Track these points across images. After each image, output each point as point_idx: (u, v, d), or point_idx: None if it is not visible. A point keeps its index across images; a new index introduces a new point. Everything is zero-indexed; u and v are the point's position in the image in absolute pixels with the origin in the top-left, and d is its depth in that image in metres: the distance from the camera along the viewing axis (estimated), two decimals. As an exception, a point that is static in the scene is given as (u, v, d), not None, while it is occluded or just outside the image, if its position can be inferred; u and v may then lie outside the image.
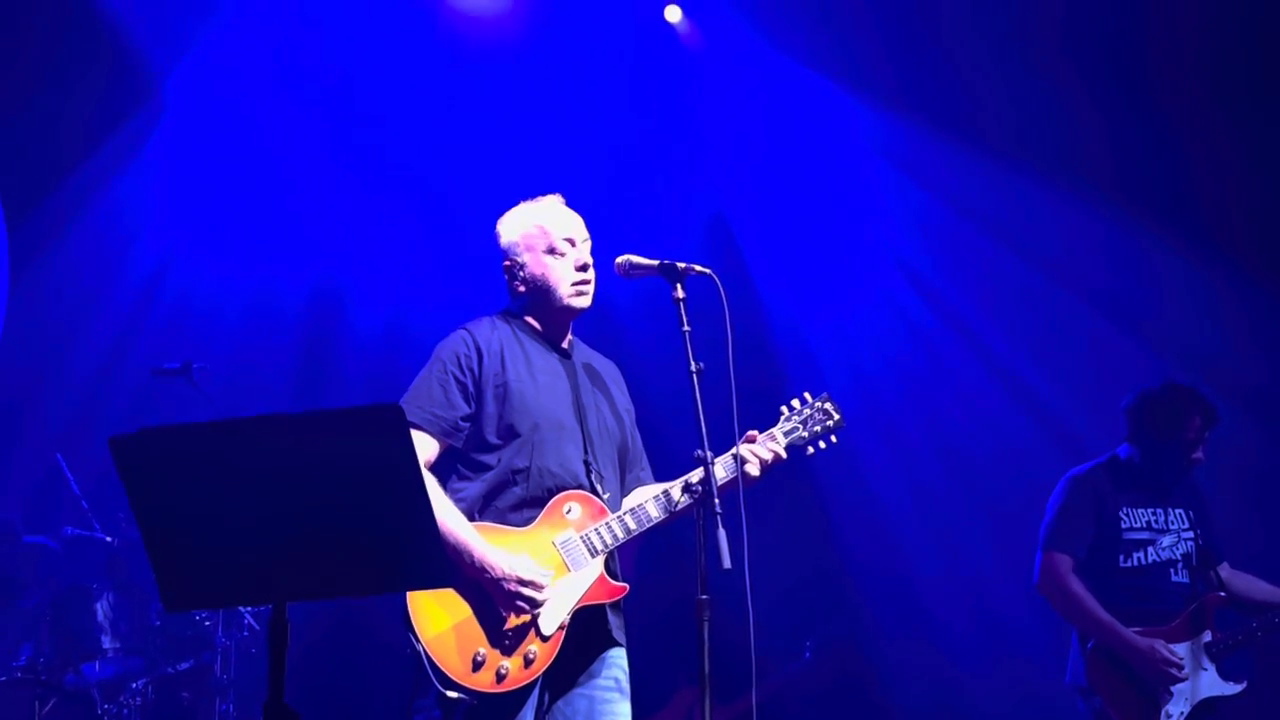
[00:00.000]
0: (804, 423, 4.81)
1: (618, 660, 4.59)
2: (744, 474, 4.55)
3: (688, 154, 9.34)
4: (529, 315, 4.81)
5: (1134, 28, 8.36)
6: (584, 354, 4.92)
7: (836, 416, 4.86)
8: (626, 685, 4.59)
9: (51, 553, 8.08)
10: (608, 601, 4.54)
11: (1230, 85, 8.32)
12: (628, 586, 4.54)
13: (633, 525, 4.52)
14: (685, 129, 9.33)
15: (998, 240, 9.01)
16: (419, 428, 4.49)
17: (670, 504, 4.53)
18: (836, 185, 9.36)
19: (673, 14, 9.22)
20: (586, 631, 4.50)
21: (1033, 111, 8.75)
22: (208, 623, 7.66)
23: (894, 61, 8.96)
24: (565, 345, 4.84)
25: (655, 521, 4.55)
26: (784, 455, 4.70)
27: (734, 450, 4.56)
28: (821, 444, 4.83)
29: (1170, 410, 6.37)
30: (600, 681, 4.52)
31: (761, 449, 4.63)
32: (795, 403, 4.86)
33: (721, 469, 4.47)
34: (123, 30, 8.76)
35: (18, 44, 8.58)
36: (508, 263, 4.81)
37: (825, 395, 4.90)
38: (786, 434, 4.76)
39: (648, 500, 4.55)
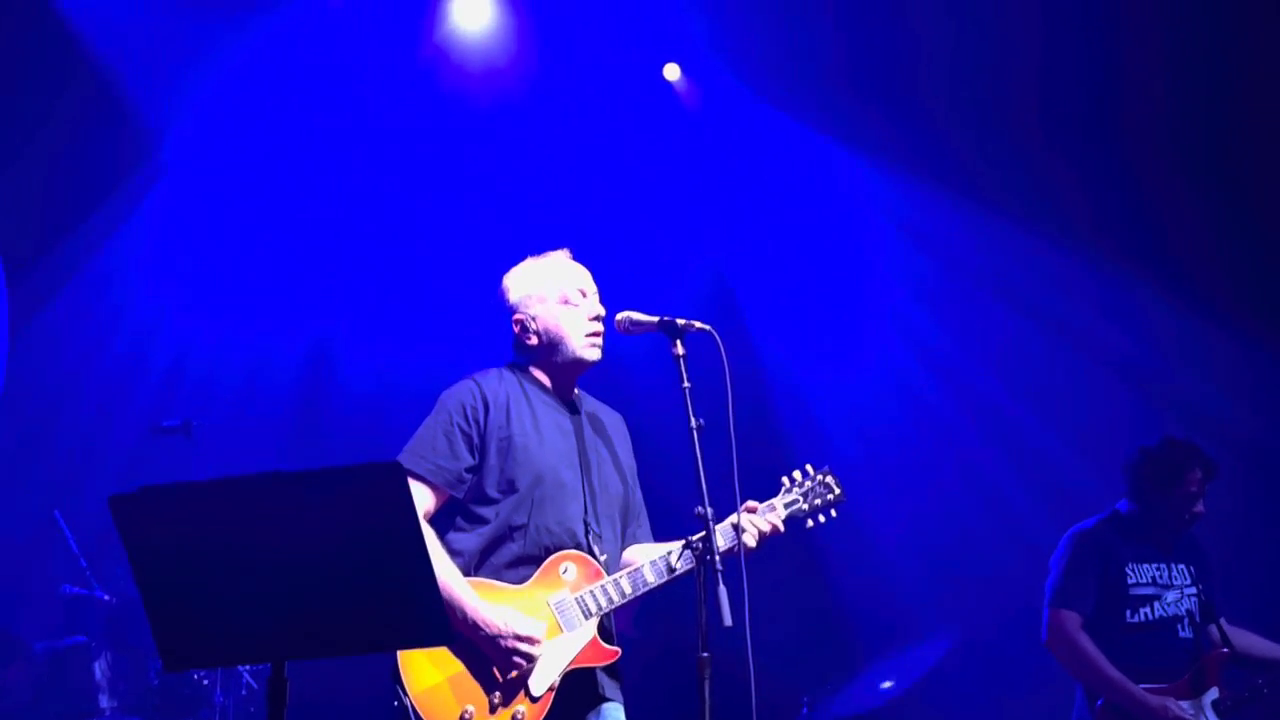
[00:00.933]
0: (804, 495, 4.80)
1: (613, 715, 4.55)
2: (742, 544, 4.52)
3: (687, 211, 9.37)
4: (537, 368, 4.81)
5: (1138, 93, 8.45)
6: (590, 406, 4.92)
7: (837, 491, 4.87)
8: None
9: (49, 612, 8.07)
10: (600, 665, 4.51)
11: (1227, 149, 8.38)
12: (620, 651, 4.52)
13: (628, 589, 4.49)
14: (684, 186, 9.36)
15: (998, 299, 9.05)
16: (421, 478, 4.49)
17: (669, 569, 4.50)
18: (835, 242, 9.40)
19: (671, 72, 9.28)
20: (578, 693, 4.46)
21: (1034, 171, 8.81)
22: (205, 681, 7.61)
23: (893, 120, 9.01)
24: (573, 398, 4.84)
25: (651, 587, 4.51)
26: (781, 528, 4.69)
27: (732, 519, 4.54)
28: (821, 518, 4.83)
29: (1170, 465, 6.37)
30: None
31: (760, 520, 4.62)
32: (797, 474, 4.85)
33: (720, 538, 4.43)
34: (122, 90, 8.80)
35: (18, 103, 8.62)
36: (518, 316, 4.81)
37: (827, 469, 4.90)
38: (787, 505, 4.75)
39: (645, 564, 4.52)
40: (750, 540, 4.55)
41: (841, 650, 9.01)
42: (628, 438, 4.98)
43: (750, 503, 4.65)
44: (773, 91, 9.19)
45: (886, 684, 8.36)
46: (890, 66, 8.88)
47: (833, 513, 4.85)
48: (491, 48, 9.06)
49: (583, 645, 4.44)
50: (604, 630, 4.53)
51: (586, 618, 4.45)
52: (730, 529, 4.54)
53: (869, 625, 9.00)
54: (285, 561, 2.99)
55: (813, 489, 4.82)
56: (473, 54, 9.07)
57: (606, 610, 4.49)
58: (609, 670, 4.57)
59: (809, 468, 4.87)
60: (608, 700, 4.55)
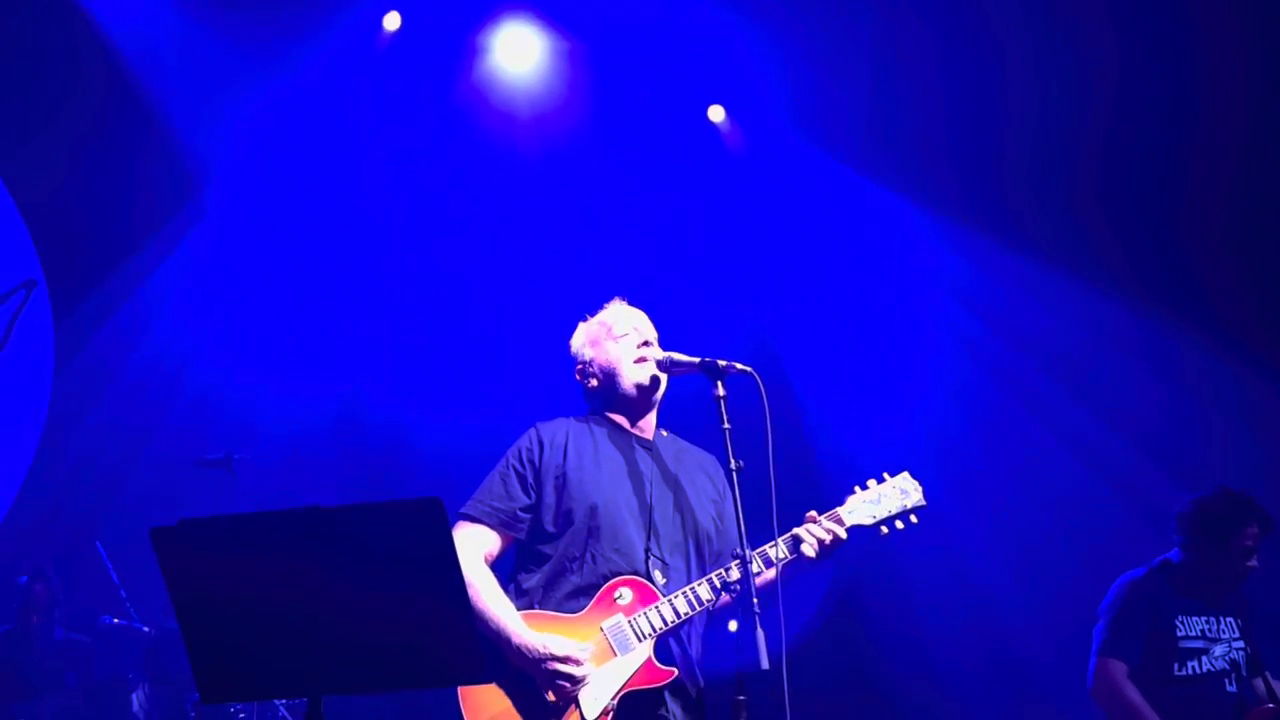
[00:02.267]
0: (874, 501, 4.73)
1: None
2: (801, 555, 4.52)
3: (728, 253, 9.37)
4: (607, 410, 4.87)
5: (1187, 156, 8.41)
6: (675, 445, 4.93)
7: (917, 495, 4.79)
8: None
9: (88, 643, 8.12)
10: (664, 688, 4.45)
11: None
12: (675, 671, 4.44)
13: (683, 609, 4.46)
14: (727, 228, 9.37)
15: (1041, 354, 9.01)
16: (478, 521, 4.61)
17: (725, 586, 4.44)
18: (876, 287, 9.37)
19: (716, 114, 9.30)
20: None
21: (1080, 221, 8.76)
22: (242, 715, 7.62)
23: (938, 161, 9.00)
24: (647, 435, 4.86)
25: (709, 604, 4.47)
26: (843, 536, 4.61)
27: (791, 533, 4.53)
28: (899, 524, 4.74)
29: (1225, 519, 6.27)
30: None
31: (819, 529, 4.58)
32: (871, 481, 4.80)
33: (783, 549, 4.47)
34: (169, 127, 8.89)
35: (66, 141, 8.73)
36: (579, 365, 4.93)
37: (905, 472, 4.85)
38: (849, 514, 4.69)
39: (702, 583, 4.50)
40: (809, 550, 4.53)
41: (882, 696, 8.95)
42: (718, 476, 4.90)
43: (811, 513, 4.63)
44: (816, 132, 9.20)
45: None
46: (935, 112, 8.88)
47: (913, 519, 4.77)
48: (535, 89, 9.12)
49: (636, 667, 4.42)
50: (665, 653, 4.48)
51: (640, 640, 4.43)
52: (790, 540, 4.52)
53: (909, 674, 8.92)
54: (323, 596, 3.00)
55: (884, 494, 4.76)
56: (516, 95, 9.13)
57: (660, 631, 4.45)
58: (686, 706, 4.52)
59: (885, 475, 4.82)
60: None
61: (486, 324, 9.27)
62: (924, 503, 4.81)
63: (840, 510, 4.69)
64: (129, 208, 8.98)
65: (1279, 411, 8.37)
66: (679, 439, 4.98)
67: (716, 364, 4.53)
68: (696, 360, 4.60)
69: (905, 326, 9.39)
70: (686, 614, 4.47)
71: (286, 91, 8.86)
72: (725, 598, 4.48)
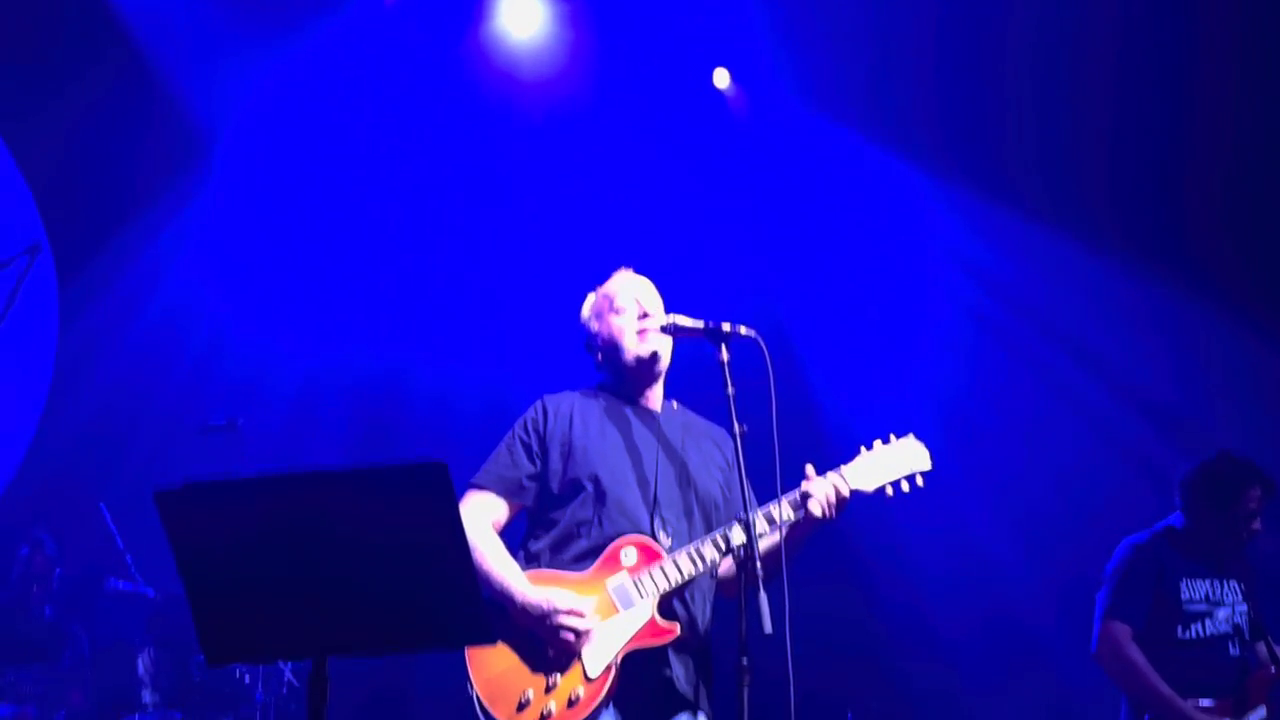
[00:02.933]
0: (879, 463, 4.73)
1: None
2: (807, 513, 4.52)
3: (733, 217, 9.35)
4: (612, 382, 4.89)
5: (1199, 108, 8.38)
6: (682, 416, 4.94)
7: (922, 458, 4.80)
8: None
9: (95, 607, 8.15)
10: (668, 648, 4.45)
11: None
12: (678, 628, 4.44)
13: (687, 567, 4.46)
14: (731, 192, 9.35)
15: (1050, 311, 8.99)
16: (484, 489, 4.66)
17: (726, 543, 4.45)
18: (881, 251, 9.36)
19: (721, 79, 9.27)
20: (648, 682, 4.43)
21: (1093, 182, 8.75)
22: (247, 679, 7.65)
23: (942, 126, 8.98)
24: (654, 406, 4.87)
25: (714, 561, 4.47)
26: (845, 494, 4.60)
27: (794, 491, 4.53)
28: (904, 485, 4.75)
29: (1228, 483, 6.29)
30: None
31: (823, 484, 4.57)
32: (877, 443, 4.80)
33: (787, 509, 4.48)
34: (174, 89, 8.88)
35: (71, 102, 8.72)
36: (587, 339, 4.96)
37: (911, 435, 4.85)
38: (854, 473, 4.68)
39: (705, 542, 4.50)
40: (814, 508, 4.52)
41: (886, 664, 8.97)
42: (726, 445, 4.86)
43: (809, 468, 4.62)
44: (821, 97, 9.17)
45: None
46: (940, 76, 8.85)
47: (919, 481, 4.78)
48: (539, 53, 9.10)
49: (640, 625, 4.41)
50: (669, 611, 4.48)
51: (643, 597, 4.43)
52: (794, 499, 4.52)
53: (912, 640, 8.94)
54: (328, 559, 3.01)
55: (891, 456, 4.76)
56: (520, 60, 9.10)
57: (664, 589, 4.44)
58: (689, 667, 4.52)
59: (892, 436, 4.82)
60: (691, 708, 4.50)
61: (492, 289, 9.27)
62: (929, 465, 4.81)
63: (845, 468, 4.68)
64: (134, 172, 8.96)
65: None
66: (688, 410, 4.99)
67: (721, 328, 4.53)
68: (701, 325, 4.59)
69: (909, 292, 9.38)
70: (691, 573, 4.46)
71: (291, 55, 8.84)
72: (729, 562, 4.48)
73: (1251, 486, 6.26)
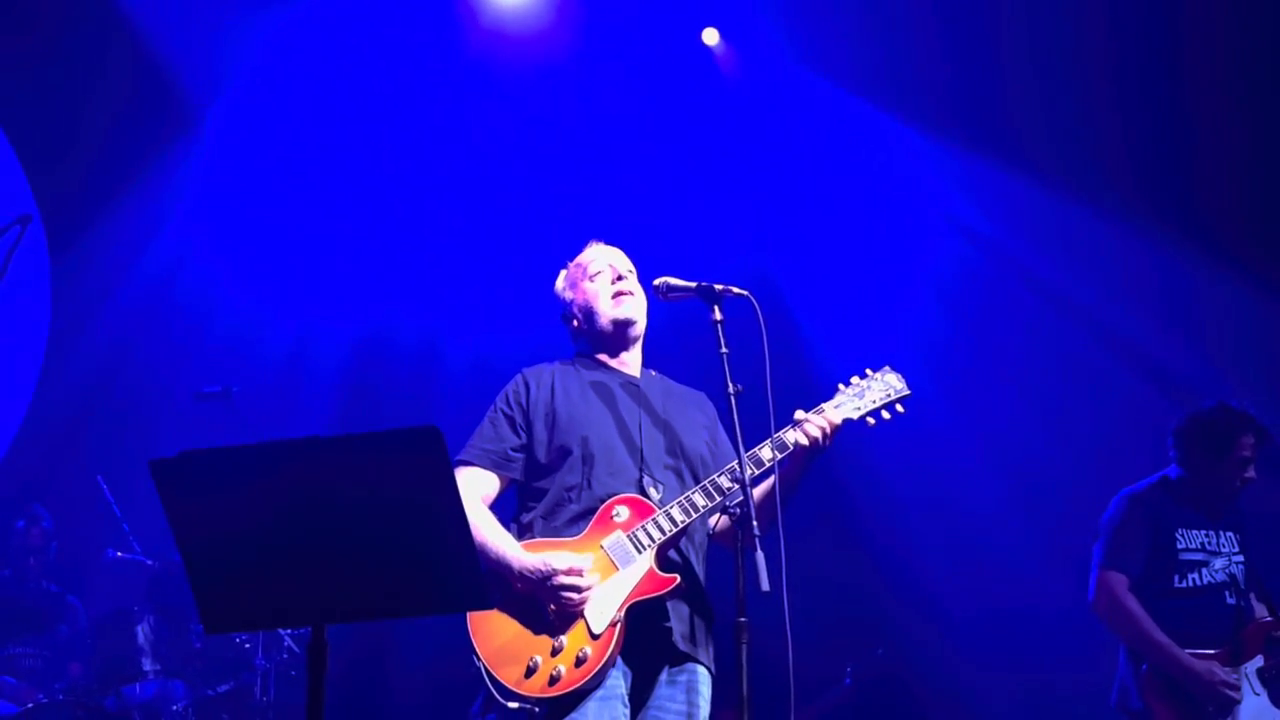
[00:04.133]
0: (859, 394, 4.75)
1: (697, 683, 4.52)
2: (797, 447, 4.53)
3: (724, 177, 9.33)
4: (592, 350, 4.90)
5: (1198, 58, 8.36)
6: (660, 384, 4.94)
7: (899, 385, 4.81)
8: (701, 711, 4.52)
9: (93, 576, 8.18)
10: (667, 602, 4.46)
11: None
12: (678, 577, 4.44)
13: (679, 517, 4.47)
14: (722, 152, 9.33)
15: (1041, 266, 8.99)
16: (471, 464, 4.65)
17: (718, 490, 4.46)
18: (873, 209, 9.35)
19: (710, 37, 9.24)
20: (649, 633, 4.44)
21: (1079, 134, 8.74)
22: (247, 645, 7.69)
23: (932, 83, 8.96)
24: (633, 373, 4.88)
25: (705, 509, 4.47)
26: (836, 421, 4.61)
27: (779, 433, 4.54)
28: (885, 414, 4.76)
29: (1222, 431, 6.31)
30: (673, 704, 4.47)
31: (810, 425, 4.57)
32: (854, 378, 4.81)
33: (770, 449, 4.50)
34: (164, 58, 8.85)
35: (60, 73, 8.68)
36: (562, 309, 4.97)
37: (887, 367, 4.86)
38: (837, 406, 4.69)
39: (694, 491, 4.50)
40: (804, 438, 4.53)
41: (884, 620, 9.01)
42: (708, 409, 4.95)
43: (799, 411, 4.62)
44: (810, 55, 9.14)
45: None
46: (929, 31, 8.83)
47: (899, 408, 4.79)
48: (528, 14, 9.05)
49: (639, 578, 4.42)
50: (666, 561, 4.49)
51: (640, 551, 4.44)
52: (773, 444, 4.53)
53: (910, 594, 8.97)
54: (325, 525, 3.01)
55: (868, 387, 4.78)
56: (509, 20, 9.06)
57: (660, 541, 4.45)
58: (685, 619, 4.53)
59: (868, 370, 4.83)
60: (693, 660, 4.52)
61: (483, 251, 9.26)
62: (908, 391, 4.82)
63: (826, 405, 4.70)
64: (124, 141, 8.94)
65: (1274, 325, 8.38)
66: (666, 378, 4.99)
67: (713, 288, 4.53)
68: (693, 285, 4.58)
69: (900, 246, 9.37)
70: (684, 521, 4.47)
71: (280, 20, 8.81)
72: (724, 519, 4.49)
73: (1245, 434, 6.28)
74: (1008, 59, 8.69)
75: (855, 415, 4.71)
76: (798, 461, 4.58)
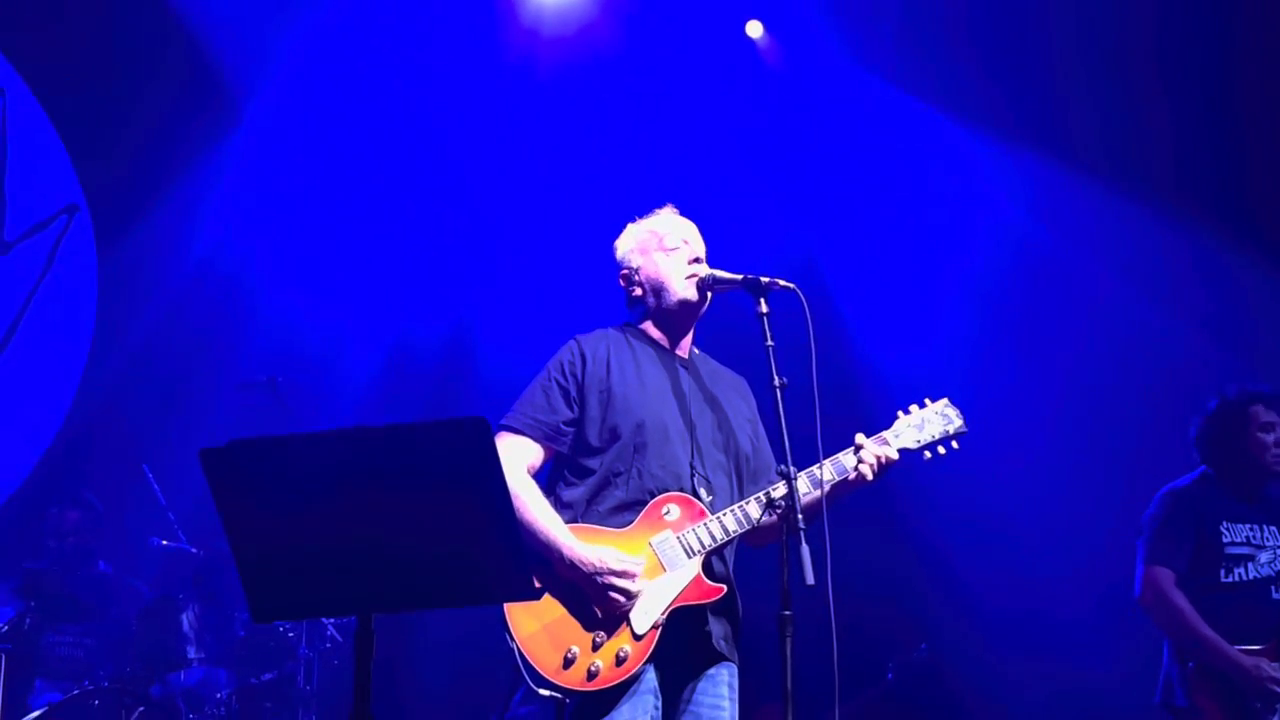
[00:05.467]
0: (918, 426, 4.74)
1: (727, 678, 4.53)
2: (858, 473, 4.53)
3: (769, 170, 9.31)
4: (647, 322, 4.82)
5: (1231, 54, 8.31)
6: (707, 365, 4.90)
7: (958, 422, 4.79)
8: (732, 706, 4.53)
9: (133, 569, 8.23)
10: (707, 604, 4.45)
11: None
12: (725, 588, 4.45)
13: (732, 526, 4.45)
14: (767, 145, 9.31)
15: (1087, 264, 8.94)
16: (521, 433, 4.56)
17: (771, 503, 4.40)
18: (919, 203, 9.31)
19: (754, 29, 9.22)
20: (689, 636, 4.44)
21: (1128, 131, 8.68)
22: (291, 634, 7.73)
23: (979, 78, 8.92)
24: (684, 354, 4.83)
25: (757, 521, 4.44)
26: (895, 456, 4.61)
27: (848, 451, 4.53)
28: (941, 449, 4.76)
29: (1231, 412, 6.31)
30: (708, 698, 4.47)
31: (868, 452, 4.57)
32: (913, 407, 4.79)
33: (830, 470, 4.48)
34: (210, 51, 8.90)
35: (107, 64, 8.75)
36: (624, 271, 4.85)
37: (946, 399, 4.84)
38: (897, 436, 4.69)
39: (749, 501, 4.49)
40: (867, 471, 4.53)
41: (926, 618, 8.97)
42: (750, 397, 4.91)
43: (859, 435, 4.60)
44: (856, 48, 9.12)
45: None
46: (973, 22, 8.79)
47: (954, 444, 4.77)
48: (573, 8, 9.05)
49: (686, 583, 4.40)
50: (711, 570, 4.48)
51: (689, 556, 4.41)
52: (840, 460, 4.52)
53: (954, 592, 8.93)
54: (372, 515, 3.02)
55: (927, 419, 4.76)
56: (554, 13, 9.06)
57: (710, 548, 4.44)
58: (723, 622, 4.53)
59: (927, 400, 4.82)
60: (721, 659, 4.52)
61: (529, 245, 9.26)
62: (965, 429, 4.81)
63: (887, 434, 4.68)
64: (170, 132, 9.00)
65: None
66: (709, 358, 4.95)
67: (760, 280, 4.50)
68: (740, 277, 4.56)
69: (945, 242, 9.33)
70: (735, 531, 4.45)
71: (324, 10, 8.83)
72: (772, 517, 4.47)
73: (1252, 404, 6.28)
74: (1056, 54, 8.65)
75: (914, 446, 4.70)
76: (850, 486, 4.56)
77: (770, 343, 4.40)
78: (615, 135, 9.16)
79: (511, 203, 9.32)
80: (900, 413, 4.77)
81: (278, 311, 9.26)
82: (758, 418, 4.87)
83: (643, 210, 4.97)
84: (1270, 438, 6.29)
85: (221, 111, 9.17)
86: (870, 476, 4.54)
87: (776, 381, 4.34)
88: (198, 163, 9.17)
